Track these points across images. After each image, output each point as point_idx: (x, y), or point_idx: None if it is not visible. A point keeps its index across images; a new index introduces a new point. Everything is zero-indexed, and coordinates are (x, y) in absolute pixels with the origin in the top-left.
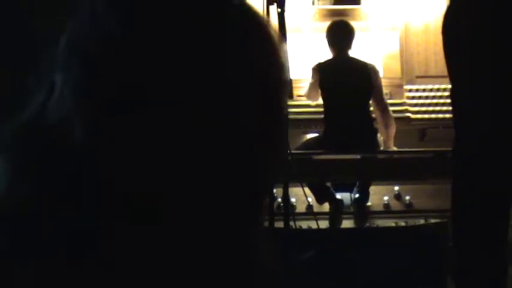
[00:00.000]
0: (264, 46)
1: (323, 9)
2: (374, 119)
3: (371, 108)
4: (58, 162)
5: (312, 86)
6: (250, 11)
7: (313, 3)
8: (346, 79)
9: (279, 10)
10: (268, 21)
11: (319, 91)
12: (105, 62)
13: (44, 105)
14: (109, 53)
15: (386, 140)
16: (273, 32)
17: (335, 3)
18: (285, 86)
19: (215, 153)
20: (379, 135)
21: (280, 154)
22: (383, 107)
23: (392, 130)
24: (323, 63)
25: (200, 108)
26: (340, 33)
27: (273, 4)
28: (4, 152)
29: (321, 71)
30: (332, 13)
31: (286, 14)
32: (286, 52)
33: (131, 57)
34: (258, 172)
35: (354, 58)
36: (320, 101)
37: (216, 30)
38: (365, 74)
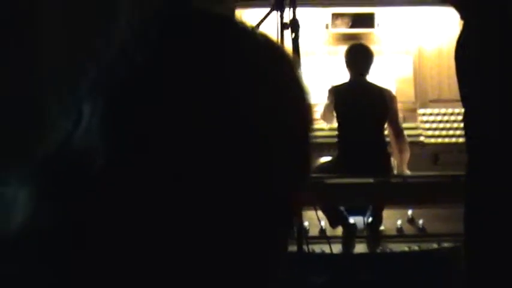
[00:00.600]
0: (287, 78)
1: (337, 33)
2: (388, 143)
3: (385, 132)
4: (82, 191)
5: (327, 107)
6: (272, 46)
7: (327, 27)
8: (361, 102)
9: (293, 36)
10: (285, 49)
11: (334, 113)
12: (130, 94)
13: (71, 135)
14: (137, 89)
15: (400, 164)
16: (294, 62)
17: (349, 27)
18: (310, 115)
19: (240, 179)
20: (392, 159)
21: (306, 180)
22: (398, 132)
23: (407, 155)
24: (339, 85)
25: (224, 140)
26: (358, 56)
27: (287, 29)
28: (30, 180)
29: (337, 93)
30: (346, 37)
31: (300, 38)
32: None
33: (160, 94)
34: (281, 197)
35: (370, 82)
36: (333, 125)
37: (242, 68)
38: (381, 98)
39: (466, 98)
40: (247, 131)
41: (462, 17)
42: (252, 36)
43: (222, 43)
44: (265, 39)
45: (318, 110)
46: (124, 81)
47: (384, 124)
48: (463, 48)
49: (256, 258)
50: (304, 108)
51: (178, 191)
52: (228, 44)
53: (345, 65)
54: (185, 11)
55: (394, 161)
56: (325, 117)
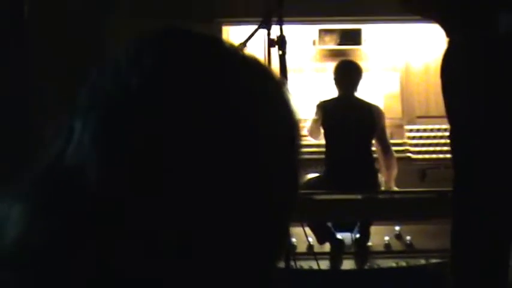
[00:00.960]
0: (273, 96)
1: (324, 50)
2: (375, 160)
3: (373, 148)
4: (75, 207)
5: (314, 123)
6: (258, 66)
7: (314, 43)
8: (349, 118)
9: (280, 52)
10: (271, 68)
11: (321, 129)
12: (122, 115)
13: (62, 151)
14: (128, 107)
15: (388, 181)
16: (280, 80)
17: (336, 44)
18: (297, 131)
19: (236, 196)
20: (380, 175)
21: (297, 194)
22: (386, 148)
23: (394, 172)
24: (327, 101)
25: (219, 156)
26: (347, 73)
27: (274, 47)
28: (23, 196)
29: (325, 109)
30: (333, 53)
31: (287, 55)
32: (291, 98)
33: (150, 113)
34: (278, 213)
35: (358, 98)
36: (320, 142)
37: (229, 89)
38: (369, 114)
39: (451, 114)
40: (238, 152)
41: (447, 34)
42: (239, 56)
43: (211, 65)
44: (251, 59)
45: (305, 126)
46: (117, 100)
47: (371, 140)
48: (448, 65)
49: (247, 274)
50: (291, 125)
51: (169, 208)
52: (216, 65)
53: (333, 81)
54: (176, 33)
55: (381, 177)
56: (312, 133)
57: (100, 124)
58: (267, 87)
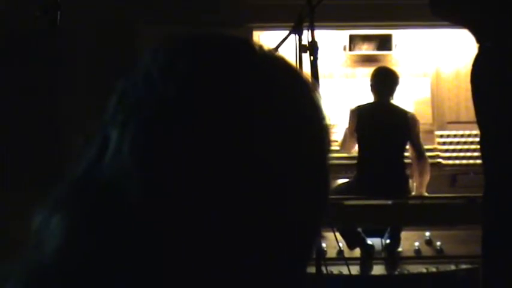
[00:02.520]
0: (306, 99)
1: (355, 55)
2: (407, 166)
3: (405, 154)
4: (114, 217)
5: (349, 131)
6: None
7: (344, 49)
8: (384, 124)
9: (312, 58)
10: (304, 72)
11: (355, 140)
12: (161, 124)
13: (97, 160)
14: (165, 116)
15: (419, 186)
16: (313, 85)
17: (367, 49)
18: (328, 137)
19: (266, 198)
20: (411, 181)
21: (327, 198)
22: (420, 154)
23: (427, 178)
24: (362, 106)
25: (257, 161)
26: (384, 79)
27: (305, 52)
28: (61, 207)
29: (360, 114)
30: (364, 59)
31: (318, 60)
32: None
33: (188, 121)
34: (307, 216)
35: (393, 104)
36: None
37: (266, 93)
38: (403, 120)
39: (481, 119)
40: (274, 156)
41: (477, 40)
42: (273, 60)
43: (246, 70)
44: (285, 63)
45: (335, 132)
46: (154, 109)
47: (405, 147)
48: (479, 70)
49: (280, 282)
50: (323, 130)
51: (214, 220)
52: (250, 69)
53: (370, 87)
54: (208, 39)
55: (412, 183)
56: (345, 143)
57: (139, 134)
58: (299, 90)
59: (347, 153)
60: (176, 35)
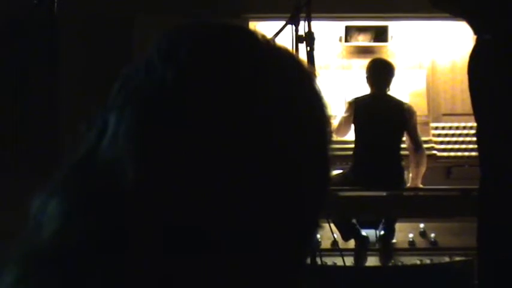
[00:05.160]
0: (306, 87)
1: (351, 47)
2: (402, 158)
3: (402, 146)
4: (111, 201)
5: (344, 120)
6: (293, 61)
7: (340, 40)
8: (380, 116)
9: (308, 49)
10: (304, 62)
11: (351, 126)
12: (158, 109)
13: (96, 144)
14: (163, 101)
15: (415, 178)
16: (311, 72)
17: (363, 41)
18: (330, 126)
19: (265, 187)
20: (406, 172)
21: (327, 189)
22: (417, 145)
23: (423, 169)
24: (359, 98)
25: (254, 149)
26: (380, 71)
27: (302, 43)
28: (59, 192)
29: (356, 106)
30: (359, 50)
31: (315, 51)
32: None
33: (184, 106)
34: (308, 207)
35: (390, 96)
36: (344, 139)
37: (270, 81)
38: (399, 112)
39: (478, 112)
40: (274, 144)
41: (475, 32)
42: (275, 49)
43: (249, 58)
44: (287, 52)
45: (332, 123)
46: (153, 94)
47: (401, 138)
48: (476, 62)
49: (282, 273)
50: (325, 119)
51: (210, 205)
52: (251, 56)
53: (366, 79)
54: (210, 27)
55: (408, 175)
56: (340, 130)
57: (136, 118)
58: (301, 79)
59: (341, 137)
60: (181, 23)
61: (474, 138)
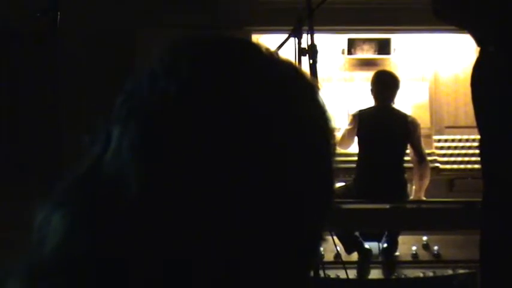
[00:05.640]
0: (309, 99)
1: (353, 59)
2: (406, 171)
3: (405, 159)
4: (114, 215)
5: (347, 132)
6: (297, 73)
7: (343, 52)
8: (384, 128)
9: (311, 61)
10: (308, 74)
11: (354, 139)
12: (162, 122)
13: (100, 157)
14: (166, 116)
15: (418, 190)
16: (315, 85)
17: (366, 53)
18: (334, 139)
19: (268, 201)
20: (409, 185)
21: (332, 201)
22: (421, 158)
23: (426, 181)
24: (363, 110)
25: (258, 162)
26: (385, 84)
27: (305, 55)
28: (62, 204)
29: (361, 118)
30: (362, 63)
31: (317, 64)
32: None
33: (187, 119)
34: (311, 219)
35: (394, 108)
36: (347, 151)
37: (272, 94)
38: (403, 125)
39: (481, 124)
40: (277, 158)
41: (478, 44)
42: (279, 62)
43: (251, 71)
44: (290, 64)
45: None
46: (155, 108)
47: (404, 151)
48: (479, 74)
49: (286, 286)
50: (329, 132)
51: (212, 218)
52: (253, 70)
53: (370, 92)
54: (212, 40)
55: (411, 187)
56: (343, 142)
57: (139, 131)
58: (305, 92)
59: (344, 149)
60: (184, 36)
61: (477, 151)
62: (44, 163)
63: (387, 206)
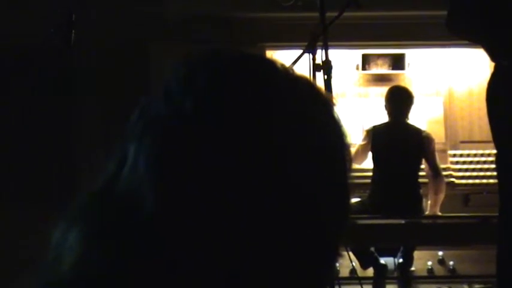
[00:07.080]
0: (325, 115)
1: (368, 74)
2: (421, 186)
3: (420, 174)
4: (129, 231)
5: (361, 148)
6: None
7: (357, 68)
8: (399, 143)
9: (326, 77)
10: (323, 90)
11: (368, 154)
12: (178, 137)
13: (116, 174)
14: (182, 130)
15: (433, 205)
16: (331, 102)
17: (380, 68)
18: (349, 154)
19: (285, 216)
20: (424, 199)
21: (348, 217)
22: (436, 173)
23: (441, 196)
24: (377, 126)
25: (274, 178)
26: (399, 100)
27: (319, 71)
28: (79, 221)
29: (375, 134)
30: (377, 78)
31: (332, 80)
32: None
33: (203, 135)
34: (328, 235)
35: (408, 124)
36: (361, 166)
37: (288, 111)
38: (418, 140)
39: (497, 138)
40: (293, 174)
41: (492, 59)
42: (290, 76)
43: (268, 88)
44: (306, 81)
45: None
46: (172, 124)
47: (419, 166)
48: (494, 89)
49: None
50: (344, 148)
51: (229, 234)
52: (269, 86)
53: (384, 107)
54: (229, 56)
55: (426, 202)
56: (357, 157)
57: (155, 147)
58: (321, 108)
59: (358, 164)
60: (198, 52)
61: (492, 166)
62: (60, 178)
63: (402, 222)
